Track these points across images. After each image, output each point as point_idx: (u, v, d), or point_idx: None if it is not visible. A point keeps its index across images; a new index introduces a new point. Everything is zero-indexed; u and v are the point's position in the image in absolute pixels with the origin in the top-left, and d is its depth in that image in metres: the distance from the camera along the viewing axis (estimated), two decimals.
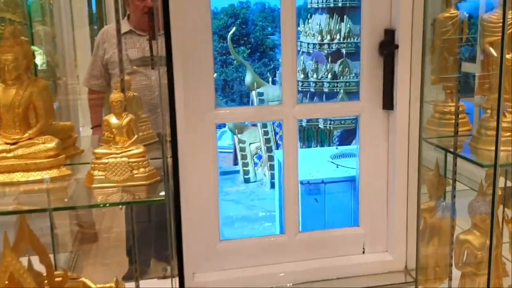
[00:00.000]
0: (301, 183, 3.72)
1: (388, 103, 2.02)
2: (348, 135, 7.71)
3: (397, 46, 1.94)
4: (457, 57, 2.05)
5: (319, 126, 7.57)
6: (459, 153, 1.85)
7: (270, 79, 9.05)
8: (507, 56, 1.75)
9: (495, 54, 1.72)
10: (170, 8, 1.67)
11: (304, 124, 7.55)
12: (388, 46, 1.97)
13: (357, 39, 8.04)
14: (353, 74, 7.81)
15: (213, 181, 1.89)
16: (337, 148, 4.94)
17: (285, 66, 1.97)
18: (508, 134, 1.76)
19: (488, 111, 2.07)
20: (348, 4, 8.10)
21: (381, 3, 1.98)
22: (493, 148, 1.75)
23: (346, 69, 7.82)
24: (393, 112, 2.02)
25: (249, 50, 32.90)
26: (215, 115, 1.89)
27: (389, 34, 1.98)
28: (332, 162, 4.43)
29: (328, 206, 3.89)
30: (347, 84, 7.78)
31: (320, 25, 8.24)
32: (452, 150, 1.94)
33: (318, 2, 8.32)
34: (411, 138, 2.01)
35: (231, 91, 32.19)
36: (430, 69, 1.99)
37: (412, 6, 1.93)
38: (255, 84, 8.05)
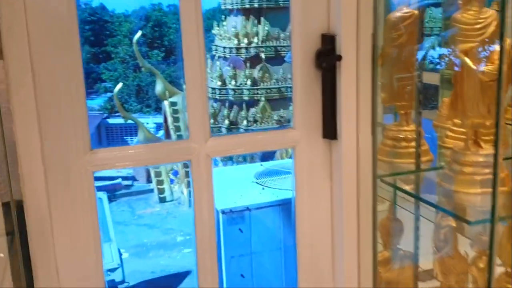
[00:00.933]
0: (223, 212, 3.18)
1: (329, 130, 1.54)
2: None
3: (339, 57, 1.46)
4: (415, 67, 1.61)
5: None
6: (428, 200, 1.39)
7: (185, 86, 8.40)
8: (485, 69, 1.31)
9: (472, 65, 1.28)
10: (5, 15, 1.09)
11: None
12: (327, 57, 1.48)
13: (276, 42, 7.67)
14: (274, 80, 7.41)
15: (96, 263, 1.31)
16: (261, 165, 4.45)
17: (190, 84, 1.44)
18: (488, 170, 1.33)
19: (449, 133, 1.65)
20: (265, 5, 7.67)
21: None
22: (474, 190, 1.32)
23: (266, 74, 7.40)
24: (337, 143, 1.54)
25: (163, 54, 32.15)
26: (90, 160, 1.32)
27: (328, 41, 1.49)
28: (257, 183, 3.93)
29: (254, 237, 3.38)
30: (268, 90, 7.36)
31: (236, 27, 7.76)
32: (415, 193, 1.49)
33: (232, 3, 7.84)
34: (361, 175, 1.54)
35: (146, 97, 31.11)
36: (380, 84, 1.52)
37: (357, 3, 1.45)
38: (167, 93, 7.40)
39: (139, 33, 7.64)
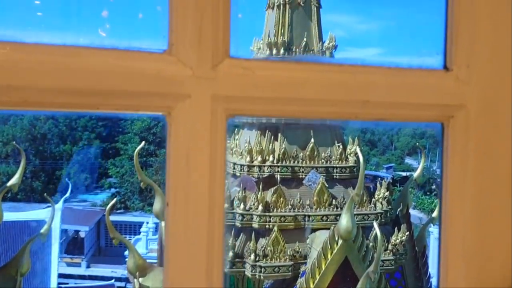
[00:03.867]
0: None
1: None
2: None
3: None
4: None
5: (245, 272, 5.93)
6: None
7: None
8: None
9: None
10: None
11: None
12: None
13: (294, 162, 6.79)
14: (290, 206, 6.41)
15: None
16: None
17: None
18: None
19: None
20: (283, 121, 6.87)
21: None
22: None
23: (281, 199, 6.41)
24: None
25: None
26: None
27: None
28: None
29: None
30: (283, 218, 6.32)
31: (249, 143, 6.95)
32: None
33: (247, 116, 7.05)
34: None
35: (149, 195, 30.24)
36: None
37: None
38: (165, 212, 6.38)
39: (142, 144, 6.81)
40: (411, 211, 8.47)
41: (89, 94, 0.54)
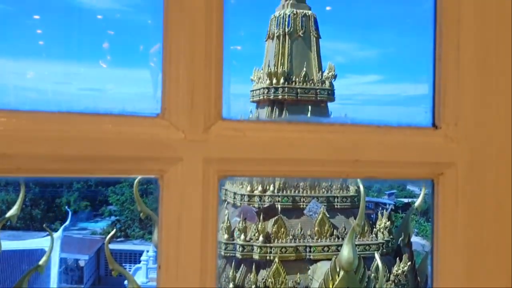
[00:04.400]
0: None
1: None
2: None
3: None
4: None
5: None
6: None
7: None
8: None
9: None
10: None
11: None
12: None
13: (294, 192, 6.79)
14: (291, 237, 6.37)
15: None
16: None
17: None
18: None
19: None
20: None
21: None
22: None
23: (282, 229, 6.38)
24: None
25: None
26: None
27: None
28: None
29: None
30: (284, 249, 6.27)
31: None
32: None
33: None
34: None
35: (149, 223, 30.01)
36: None
37: None
38: None
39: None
40: (414, 238, 8.38)
41: (82, 160, 0.56)
